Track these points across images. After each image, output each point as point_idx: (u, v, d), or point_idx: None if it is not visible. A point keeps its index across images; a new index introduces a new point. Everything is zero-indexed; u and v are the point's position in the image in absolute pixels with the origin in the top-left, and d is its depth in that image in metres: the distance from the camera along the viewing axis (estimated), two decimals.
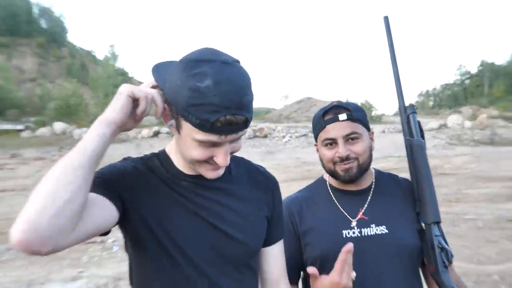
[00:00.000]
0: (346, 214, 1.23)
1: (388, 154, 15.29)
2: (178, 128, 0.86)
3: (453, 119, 23.50)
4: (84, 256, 5.69)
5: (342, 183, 1.26)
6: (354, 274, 1.04)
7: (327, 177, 1.34)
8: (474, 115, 28.97)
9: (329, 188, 1.31)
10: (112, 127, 0.81)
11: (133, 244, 0.96)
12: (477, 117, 24.74)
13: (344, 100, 1.32)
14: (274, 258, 1.07)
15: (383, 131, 21.49)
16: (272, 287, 1.07)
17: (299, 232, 1.26)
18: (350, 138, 1.20)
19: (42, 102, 35.59)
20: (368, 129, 1.26)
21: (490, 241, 5.64)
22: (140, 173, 0.95)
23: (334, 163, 1.22)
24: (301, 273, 1.28)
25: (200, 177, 0.93)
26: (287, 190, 1.51)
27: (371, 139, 1.27)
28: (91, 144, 0.76)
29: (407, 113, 1.26)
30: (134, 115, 0.85)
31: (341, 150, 1.19)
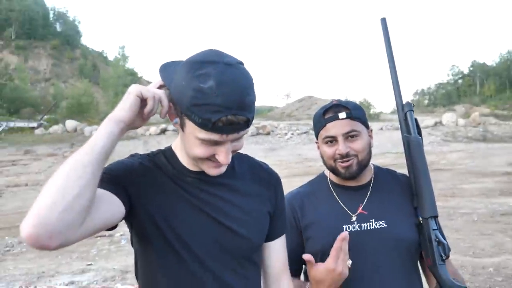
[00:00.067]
0: (347, 209, 1.26)
1: (386, 151, 15.39)
2: (182, 126, 0.88)
3: (448, 117, 23.75)
4: (93, 250, 5.74)
5: (342, 179, 1.28)
6: (350, 262, 1.07)
7: (328, 173, 1.36)
8: (467, 113, 29.42)
9: (329, 183, 1.33)
10: (121, 125, 0.83)
11: (139, 239, 0.98)
12: (470, 115, 25.12)
13: (343, 99, 1.35)
14: (277, 252, 1.09)
15: (381, 129, 21.61)
16: (274, 281, 1.09)
17: (300, 227, 1.28)
18: (349, 135, 1.22)
19: (55, 101, 36.18)
20: (367, 126, 1.28)
21: (485, 234, 5.72)
22: (146, 170, 0.97)
23: (335, 160, 1.24)
24: (303, 266, 1.31)
25: (204, 173, 0.95)
26: (289, 185, 1.53)
27: (370, 136, 1.29)
28: (101, 141, 0.78)
29: (404, 110, 1.29)
30: (142, 114, 0.87)
31: (341, 147, 1.21)
